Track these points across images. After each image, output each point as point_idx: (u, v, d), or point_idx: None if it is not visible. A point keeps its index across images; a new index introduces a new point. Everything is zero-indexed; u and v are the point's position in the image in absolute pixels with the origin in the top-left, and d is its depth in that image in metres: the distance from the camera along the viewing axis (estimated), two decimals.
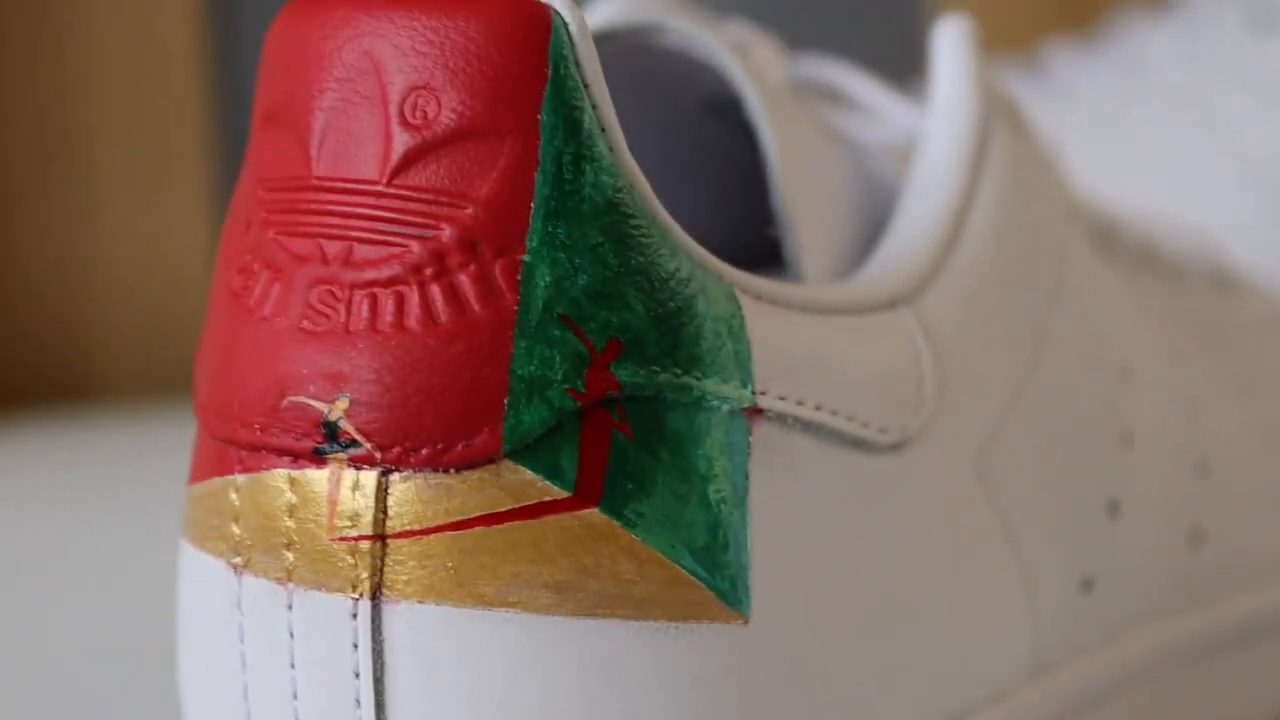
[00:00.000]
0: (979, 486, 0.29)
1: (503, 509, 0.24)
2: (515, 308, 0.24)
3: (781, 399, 0.26)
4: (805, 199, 0.30)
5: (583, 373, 0.24)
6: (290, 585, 0.25)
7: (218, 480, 0.25)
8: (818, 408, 0.26)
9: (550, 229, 0.24)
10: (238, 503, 0.25)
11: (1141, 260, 0.39)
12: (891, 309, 0.29)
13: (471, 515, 0.24)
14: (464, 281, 0.24)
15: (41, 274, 0.67)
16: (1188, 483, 0.35)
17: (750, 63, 0.31)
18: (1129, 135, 0.64)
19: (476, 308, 0.24)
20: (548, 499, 0.24)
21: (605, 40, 0.31)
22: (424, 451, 0.24)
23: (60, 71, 0.67)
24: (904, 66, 0.77)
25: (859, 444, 0.27)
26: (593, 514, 0.24)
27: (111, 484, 0.52)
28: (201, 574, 0.26)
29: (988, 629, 0.30)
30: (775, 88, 0.31)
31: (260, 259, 0.25)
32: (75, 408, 0.67)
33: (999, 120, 0.32)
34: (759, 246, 0.31)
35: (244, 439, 0.25)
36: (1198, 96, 0.64)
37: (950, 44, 0.32)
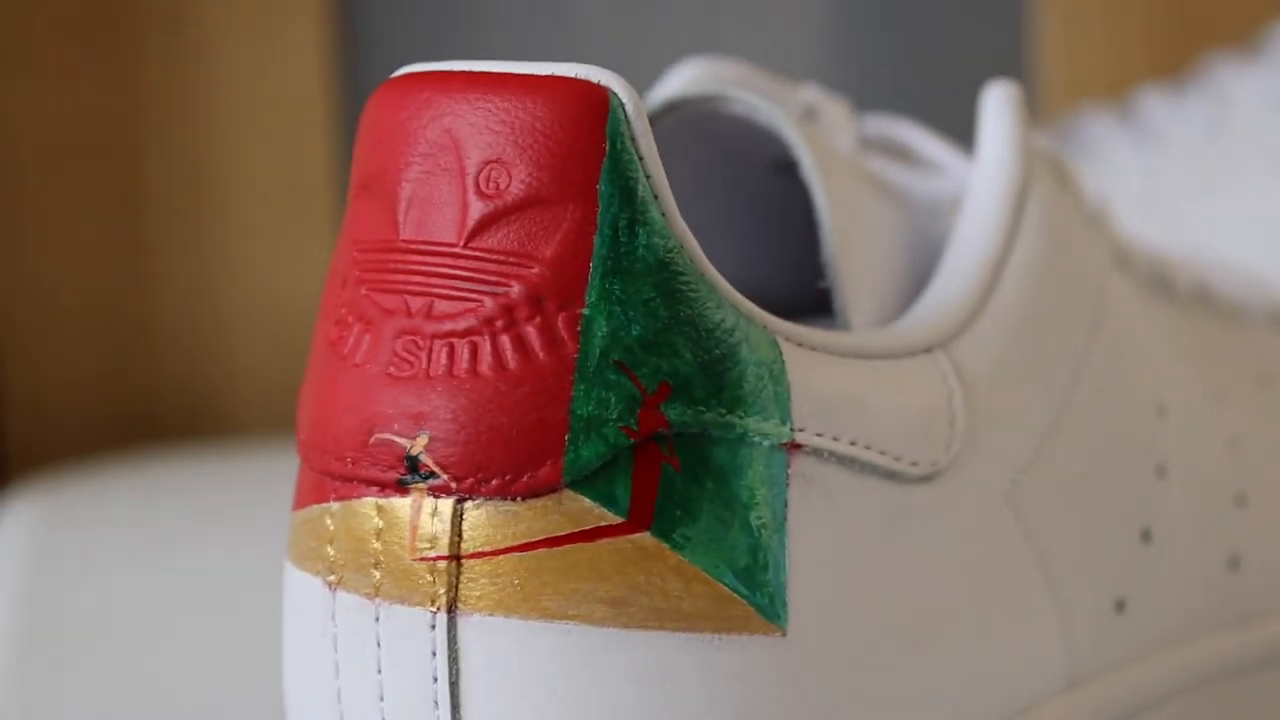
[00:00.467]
0: (1010, 515, 0.32)
1: (563, 533, 0.27)
2: (575, 355, 0.27)
3: (819, 435, 0.29)
4: (853, 254, 0.33)
5: (636, 412, 0.27)
6: (378, 600, 0.28)
7: (316, 508, 0.29)
8: (853, 443, 0.29)
9: (607, 286, 0.27)
10: (332, 527, 0.28)
11: (1198, 300, 0.42)
12: (928, 353, 0.31)
13: (536, 538, 0.27)
14: (530, 332, 0.27)
15: (176, 314, 0.71)
16: (1226, 512, 0.38)
17: (812, 128, 0.34)
18: (1215, 171, 0.66)
19: (541, 355, 0.27)
20: (604, 524, 0.27)
21: (675, 109, 0.35)
22: (494, 482, 0.27)
23: (194, 120, 0.71)
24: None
25: (892, 475, 0.30)
26: (644, 537, 0.28)
27: (241, 514, 0.56)
28: (302, 591, 0.29)
29: (1020, 646, 0.32)
30: (832, 150, 0.34)
31: (354, 313, 0.29)
32: (207, 442, 0.71)
33: (1039, 176, 0.35)
34: (812, 297, 0.34)
35: (338, 471, 0.28)
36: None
37: (995, 105, 0.35)
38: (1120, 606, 0.35)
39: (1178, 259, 0.43)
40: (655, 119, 0.35)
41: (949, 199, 0.36)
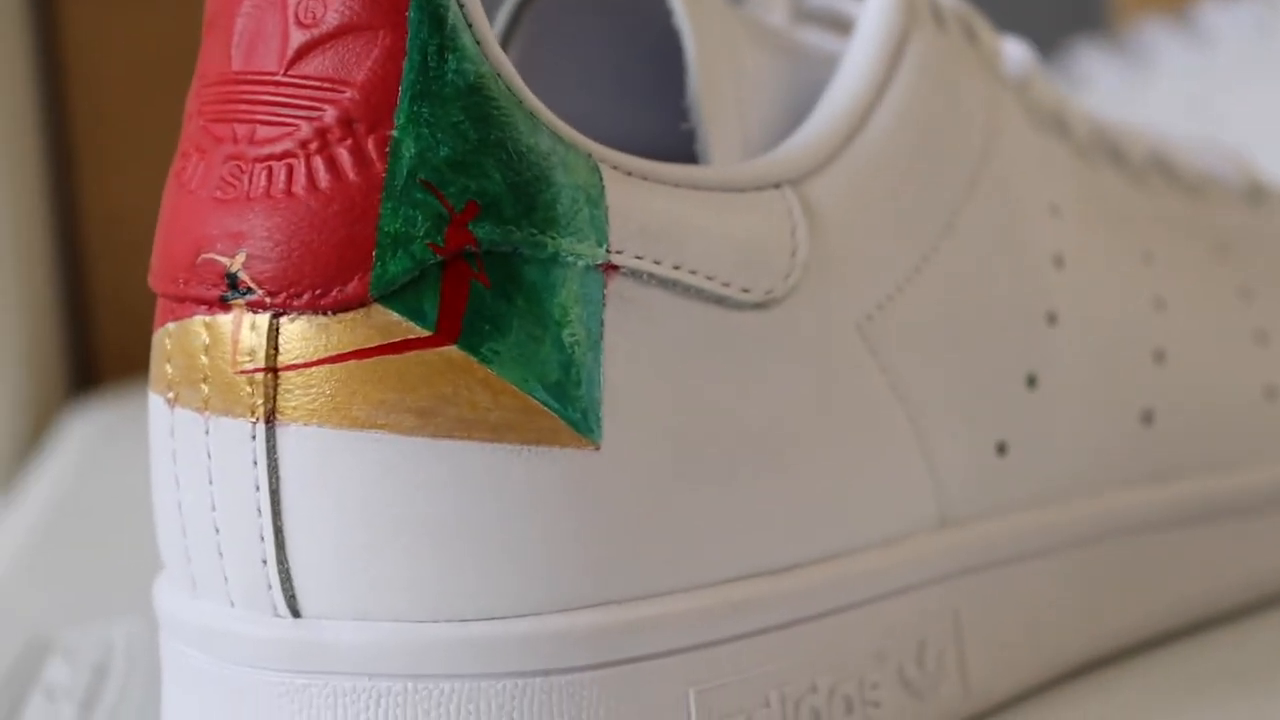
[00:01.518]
0: (864, 348, 0.33)
1: (372, 345, 0.29)
2: (384, 175, 0.28)
3: (638, 258, 0.30)
4: (717, 96, 0.33)
5: (443, 230, 0.29)
6: (207, 414, 0.29)
7: (159, 330, 0.30)
8: (676, 267, 0.30)
9: (416, 109, 0.29)
10: (170, 347, 0.30)
11: (1157, 170, 0.42)
12: (776, 189, 0.32)
13: (346, 350, 0.29)
14: (342, 154, 0.29)
15: None
16: (1142, 366, 0.38)
17: None
18: (1262, 66, 0.66)
19: (351, 175, 0.29)
20: (411, 337, 0.29)
21: None
22: (306, 297, 0.29)
23: None
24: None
25: (720, 300, 0.31)
26: (451, 350, 0.29)
27: None
28: (153, 410, 0.31)
29: (875, 481, 0.33)
30: (708, 2, 0.35)
31: (193, 143, 0.30)
32: None
33: (921, 29, 0.35)
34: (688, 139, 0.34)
35: (172, 292, 0.30)
36: None
37: None
38: (1002, 449, 0.35)
39: (1139, 133, 0.43)
40: None
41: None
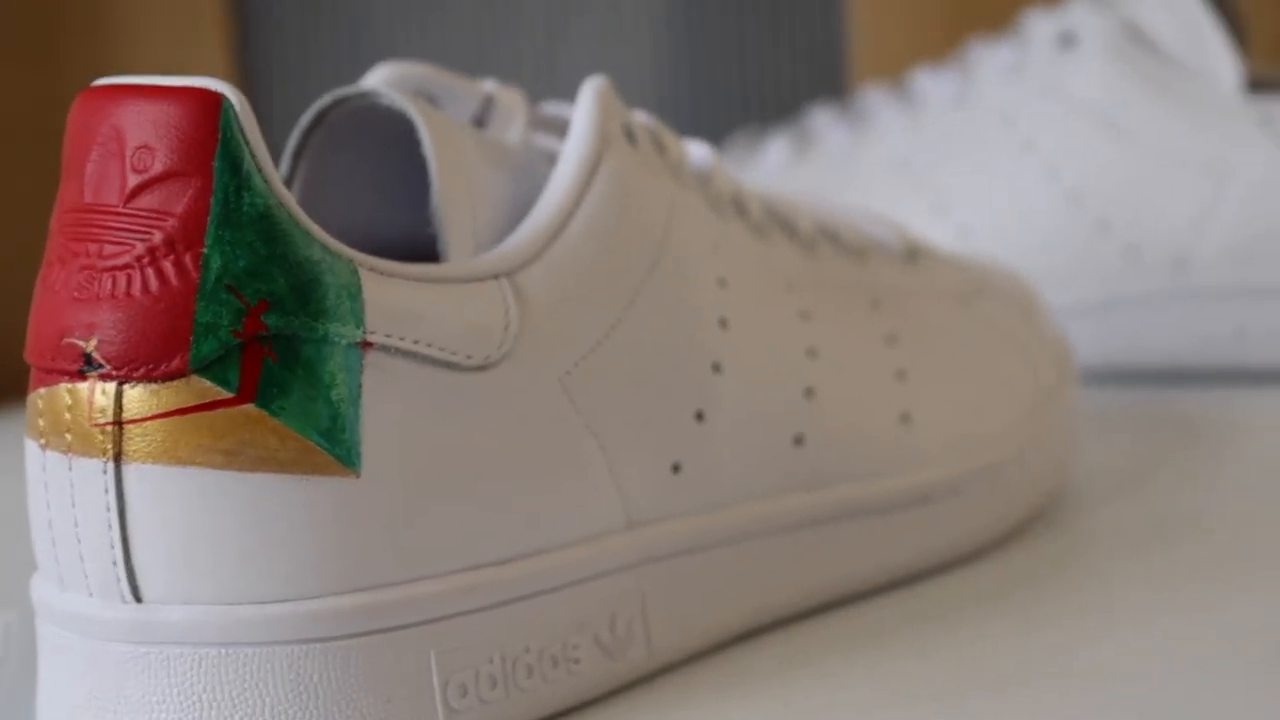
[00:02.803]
0: (565, 397, 0.44)
1: (191, 404, 0.40)
2: (198, 281, 0.39)
3: (387, 336, 0.41)
4: (454, 208, 0.44)
5: (242, 320, 0.40)
6: (70, 455, 0.40)
7: (33, 394, 0.41)
8: (415, 342, 0.41)
9: (220, 233, 0.40)
10: (41, 406, 0.41)
11: (824, 239, 0.54)
12: (495, 279, 0.43)
13: (172, 409, 0.39)
14: (168, 266, 0.39)
15: None
16: (795, 401, 0.50)
17: (435, 112, 0.46)
18: (957, 135, 0.78)
19: (174, 282, 0.39)
20: (220, 398, 0.40)
21: (341, 103, 0.47)
22: (142, 370, 0.39)
23: None
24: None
25: (450, 365, 0.42)
26: (250, 408, 0.40)
27: None
28: (29, 453, 0.41)
29: (576, 495, 0.44)
30: (450, 130, 0.46)
31: (56, 256, 0.41)
32: None
33: (614, 150, 0.46)
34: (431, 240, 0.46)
35: (43, 365, 0.40)
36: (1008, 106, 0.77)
37: (585, 94, 0.47)
38: (676, 468, 0.46)
39: (808, 208, 0.55)
40: (326, 111, 0.47)
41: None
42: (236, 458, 0.40)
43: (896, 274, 0.56)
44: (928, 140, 0.78)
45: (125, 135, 0.40)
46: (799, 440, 0.50)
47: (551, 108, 0.52)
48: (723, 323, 0.48)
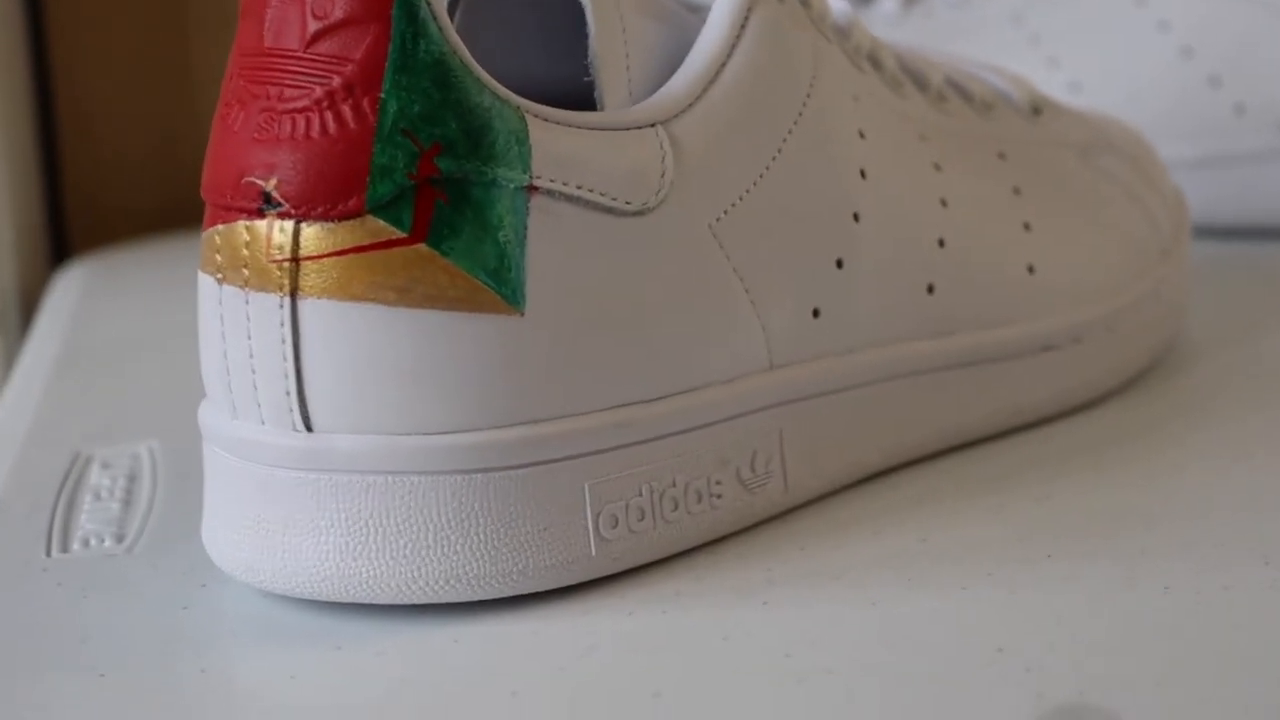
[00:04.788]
0: (715, 244, 0.46)
1: (365, 243, 0.41)
2: (375, 125, 0.41)
3: (552, 181, 0.43)
4: (610, 59, 0.46)
5: (416, 163, 0.41)
6: (247, 290, 0.42)
7: (209, 230, 0.43)
8: (579, 187, 0.43)
9: (397, 78, 0.41)
10: (219, 242, 0.42)
11: (954, 93, 0.55)
12: (651, 127, 0.45)
13: (347, 246, 0.41)
14: (345, 110, 0.41)
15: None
16: (928, 251, 0.51)
17: None
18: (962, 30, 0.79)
19: (352, 125, 0.41)
20: (393, 237, 0.41)
21: None
22: (320, 209, 0.41)
23: None
24: None
25: (610, 210, 0.44)
26: (421, 247, 0.41)
27: None
28: (203, 288, 0.43)
29: (722, 336, 0.46)
30: None
31: (235, 97, 0.42)
32: None
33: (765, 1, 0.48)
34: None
35: (221, 203, 0.42)
36: None
37: None
38: (816, 313, 0.48)
39: (938, 63, 0.56)
40: None
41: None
42: (407, 295, 0.41)
43: (1021, 127, 0.58)
44: (930, 33, 0.79)
45: None
46: (930, 289, 0.51)
47: None
48: (863, 173, 0.49)
